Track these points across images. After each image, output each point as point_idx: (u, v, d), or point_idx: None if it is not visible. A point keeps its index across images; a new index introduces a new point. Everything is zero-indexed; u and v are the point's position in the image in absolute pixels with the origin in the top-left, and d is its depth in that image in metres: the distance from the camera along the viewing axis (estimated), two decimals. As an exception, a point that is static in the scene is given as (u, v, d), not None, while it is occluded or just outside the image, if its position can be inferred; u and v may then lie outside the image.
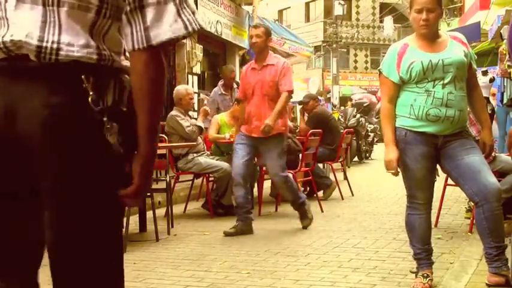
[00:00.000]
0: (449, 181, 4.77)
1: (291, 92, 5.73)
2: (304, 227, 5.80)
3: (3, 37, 1.52)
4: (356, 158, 13.92)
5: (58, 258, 1.57)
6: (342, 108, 21.87)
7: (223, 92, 8.34)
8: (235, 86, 8.22)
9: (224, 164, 6.58)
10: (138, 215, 5.82)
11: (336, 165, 8.76)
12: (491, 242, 3.47)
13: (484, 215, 3.44)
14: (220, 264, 4.45)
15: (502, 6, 10.36)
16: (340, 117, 14.42)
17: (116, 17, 1.59)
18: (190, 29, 1.57)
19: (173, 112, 6.67)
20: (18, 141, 1.51)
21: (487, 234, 3.48)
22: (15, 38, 1.51)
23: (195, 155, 6.65)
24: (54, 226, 1.55)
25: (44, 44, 1.50)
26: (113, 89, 1.58)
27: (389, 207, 7.19)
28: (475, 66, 3.66)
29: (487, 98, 9.86)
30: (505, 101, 10.65)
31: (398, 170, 3.52)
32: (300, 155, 7.03)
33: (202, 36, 11.02)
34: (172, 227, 5.87)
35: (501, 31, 9.42)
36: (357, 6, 38.92)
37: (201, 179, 7.28)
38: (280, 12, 40.37)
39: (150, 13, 1.54)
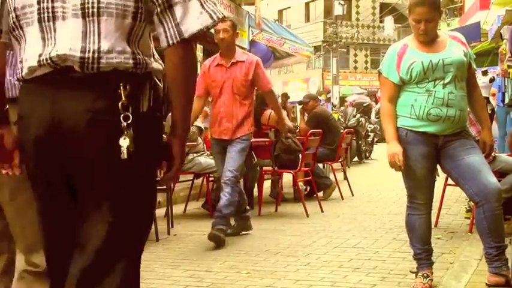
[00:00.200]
0: (449, 181, 4.77)
1: (271, 87, 5.55)
2: (210, 236, 5.06)
3: (50, 53, 1.70)
4: (356, 158, 13.91)
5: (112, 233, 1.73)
6: (342, 108, 21.86)
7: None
8: None
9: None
10: (138, 215, 5.81)
11: (336, 165, 8.75)
12: (491, 242, 3.47)
13: (484, 215, 3.44)
14: (220, 264, 4.45)
15: (502, 6, 10.34)
16: (340, 117, 14.41)
17: (148, 20, 1.75)
18: (215, 17, 1.77)
19: (173, 112, 6.66)
20: (63, 140, 1.70)
21: (487, 234, 3.48)
22: (60, 52, 1.69)
23: (195, 155, 6.65)
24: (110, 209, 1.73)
25: (87, 55, 1.68)
26: (148, 95, 1.75)
27: (389, 207, 7.19)
28: (474, 65, 3.67)
29: (487, 98, 9.85)
30: (506, 100, 10.65)
31: (401, 165, 3.44)
32: (300, 155, 7.03)
33: (202, 36, 10.99)
34: (172, 227, 5.86)
35: (501, 31, 9.42)
36: (357, 6, 38.92)
37: (201, 179, 7.28)
38: (280, 12, 40.39)
39: (178, 10, 1.73)
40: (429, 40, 3.53)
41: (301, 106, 9.24)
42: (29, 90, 1.78)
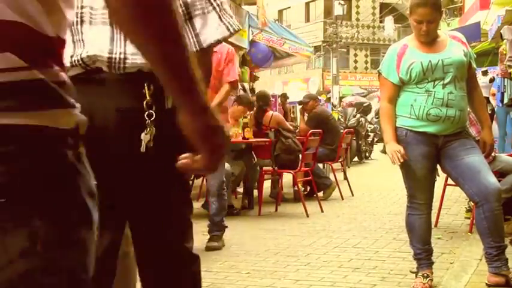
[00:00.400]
0: (449, 181, 4.77)
1: (233, 84, 5.02)
2: (208, 248, 4.90)
3: (81, 55, 1.84)
4: (356, 158, 13.90)
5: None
6: (340, 108, 21.86)
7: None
8: (240, 87, 8.19)
9: (224, 164, 6.56)
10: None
11: (336, 165, 8.75)
12: (491, 242, 3.47)
13: (484, 215, 3.44)
14: (220, 264, 4.45)
15: (502, 6, 10.33)
16: (340, 117, 14.41)
17: None
18: (232, 30, 1.94)
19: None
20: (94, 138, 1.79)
21: (487, 234, 3.48)
22: (90, 54, 1.82)
23: (195, 155, 6.64)
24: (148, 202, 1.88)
25: (114, 56, 1.81)
26: None
27: (389, 207, 7.19)
28: (474, 65, 3.67)
29: (487, 98, 9.85)
30: (505, 101, 10.64)
31: (404, 158, 3.42)
32: (300, 155, 7.03)
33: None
34: (172, 227, 5.84)
35: (501, 31, 9.41)
36: (357, 6, 38.93)
37: (201, 179, 7.28)
38: (280, 12, 40.40)
39: (197, 22, 1.90)
40: (430, 40, 3.53)
41: (301, 106, 9.23)
42: None
